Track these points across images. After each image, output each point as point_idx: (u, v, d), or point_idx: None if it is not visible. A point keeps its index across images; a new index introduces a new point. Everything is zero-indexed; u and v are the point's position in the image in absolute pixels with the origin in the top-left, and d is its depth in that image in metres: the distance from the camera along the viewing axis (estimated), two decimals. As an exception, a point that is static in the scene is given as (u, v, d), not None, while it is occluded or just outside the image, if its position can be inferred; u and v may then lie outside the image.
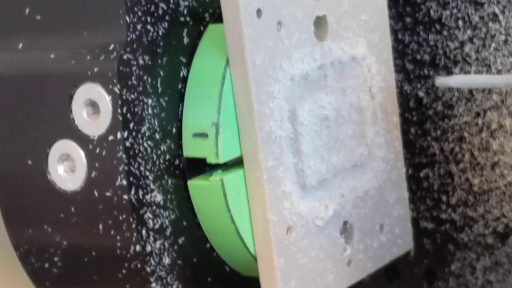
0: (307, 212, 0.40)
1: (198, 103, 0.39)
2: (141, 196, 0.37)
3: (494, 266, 0.52)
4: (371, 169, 0.45)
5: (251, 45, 0.36)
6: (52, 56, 0.40)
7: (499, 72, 0.48)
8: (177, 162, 0.40)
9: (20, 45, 0.42)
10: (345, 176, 0.43)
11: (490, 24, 0.49)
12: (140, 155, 0.37)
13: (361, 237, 0.44)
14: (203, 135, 0.38)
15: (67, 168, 0.39)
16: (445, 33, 0.50)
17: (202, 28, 0.40)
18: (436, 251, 0.53)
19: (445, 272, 0.53)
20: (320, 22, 0.41)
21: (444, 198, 0.52)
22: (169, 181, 0.39)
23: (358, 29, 0.43)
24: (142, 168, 0.37)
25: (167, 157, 0.39)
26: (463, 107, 0.50)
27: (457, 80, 0.45)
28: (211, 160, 0.38)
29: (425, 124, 0.52)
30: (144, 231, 0.37)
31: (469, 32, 0.49)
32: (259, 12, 0.37)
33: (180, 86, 0.39)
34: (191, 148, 0.39)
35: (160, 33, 0.38)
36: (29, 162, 0.41)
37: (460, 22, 0.50)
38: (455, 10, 0.49)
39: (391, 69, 0.47)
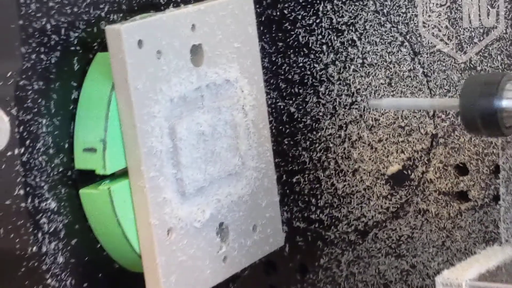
0: (186, 216, 0.46)
1: (87, 122, 0.45)
2: (37, 204, 0.42)
3: (356, 260, 0.59)
4: (244, 177, 0.51)
5: (133, 72, 0.42)
6: None
7: (357, 90, 0.55)
8: (69, 173, 0.45)
9: None
10: (221, 184, 0.49)
11: (349, 49, 0.56)
12: (36, 168, 0.42)
13: (235, 237, 0.51)
14: (92, 150, 0.44)
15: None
16: (311, 56, 0.57)
17: (91, 56, 0.45)
18: (307, 247, 0.59)
19: (316, 265, 0.59)
20: (196, 50, 0.47)
21: (313, 200, 0.59)
22: (63, 190, 0.44)
23: (231, 55, 0.50)
24: (37, 179, 0.43)
25: (61, 169, 0.44)
26: (328, 121, 0.57)
27: (388, 103, 0.52)
28: (100, 171, 0.44)
29: (296, 136, 0.58)
30: (39, 234, 0.43)
31: (332, 55, 0.56)
32: (140, 42, 0.42)
33: (71, 107, 0.45)
34: (82, 162, 0.44)
35: (53, 61, 0.43)
36: None
37: (324, 47, 0.56)
38: (320, 36, 0.56)
39: (262, 90, 0.53)
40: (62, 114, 0.46)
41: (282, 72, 0.61)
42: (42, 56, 0.44)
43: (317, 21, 0.59)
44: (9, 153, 0.43)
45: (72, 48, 0.46)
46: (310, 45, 0.59)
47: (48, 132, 0.45)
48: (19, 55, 0.43)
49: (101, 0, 0.49)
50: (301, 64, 0.60)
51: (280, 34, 0.60)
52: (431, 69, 0.57)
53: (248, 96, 0.52)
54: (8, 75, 0.43)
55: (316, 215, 0.63)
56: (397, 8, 0.56)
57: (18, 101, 0.43)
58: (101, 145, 0.45)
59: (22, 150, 0.43)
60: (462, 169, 0.60)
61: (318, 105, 0.60)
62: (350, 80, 0.57)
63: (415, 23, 0.56)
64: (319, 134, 0.61)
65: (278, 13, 0.61)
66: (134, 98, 0.43)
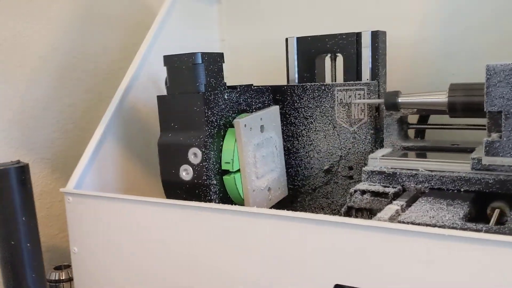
0: (258, 185, 0.84)
1: (227, 152, 0.82)
2: (209, 182, 0.80)
3: (311, 200, 0.94)
4: (276, 171, 0.89)
5: (241, 135, 0.81)
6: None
7: (311, 140, 0.91)
8: (220, 170, 0.82)
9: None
10: (269, 173, 0.88)
11: (308, 124, 0.97)
12: (210, 169, 0.80)
13: (273, 191, 0.88)
14: (228, 162, 0.82)
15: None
16: (293, 128, 0.94)
17: (227, 128, 0.83)
18: (293, 194, 0.95)
19: (297, 201, 0.96)
20: (262, 127, 0.85)
21: (296, 178, 0.95)
22: (218, 177, 0.82)
23: (272, 128, 0.87)
24: (211, 174, 0.80)
25: (218, 169, 0.81)
26: (301, 149, 0.92)
27: (360, 100, 0.85)
28: (231, 170, 0.82)
29: (289, 155, 0.93)
30: (211, 192, 0.80)
31: (301, 127, 0.98)
32: (245, 125, 0.81)
33: (221, 145, 0.82)
34: (225, 166, 0.82)
35: (215, 131, 0.80)
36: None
37: (296, 125, 0.94)
38: (294, 120, 0.96)
39: (281, 139, 0.91)
40: (219, 148, 0.82)
41: (286, 133, 0.97)
42: (211, 130, 0.80)
43: (295, 115, 0.94)
44: (202, 164, 0.80)
45: (222, 126, 0.83)
46: (294, 124, 0.95)
47: (215, 155, 0.81)
48: (205, 130, 0.80)
49: (232, 110, 0.85)
50: (291, 131, 0.96)
51: (285, 120, 0.97)
52: (340, 132, 0.92)
53: (277, 141, 0.90)
54: (201, 137, 0.78)
55: (297, 183, 0.99)
56: (329, 111, 0.91)
57: (205, 145, 0.80)
58: (231, 160, 0.82)
59: (207, 164, 0.79)
60: (350, 168, 0.94)
61: (295, 144, 0.97)
62: (307, 135, 0.93)
63: (333, 116, 0.91)
64: (297, 153, 0.97)
65: (284, 113, 0.96)
66: (243, 144, 0.81)
